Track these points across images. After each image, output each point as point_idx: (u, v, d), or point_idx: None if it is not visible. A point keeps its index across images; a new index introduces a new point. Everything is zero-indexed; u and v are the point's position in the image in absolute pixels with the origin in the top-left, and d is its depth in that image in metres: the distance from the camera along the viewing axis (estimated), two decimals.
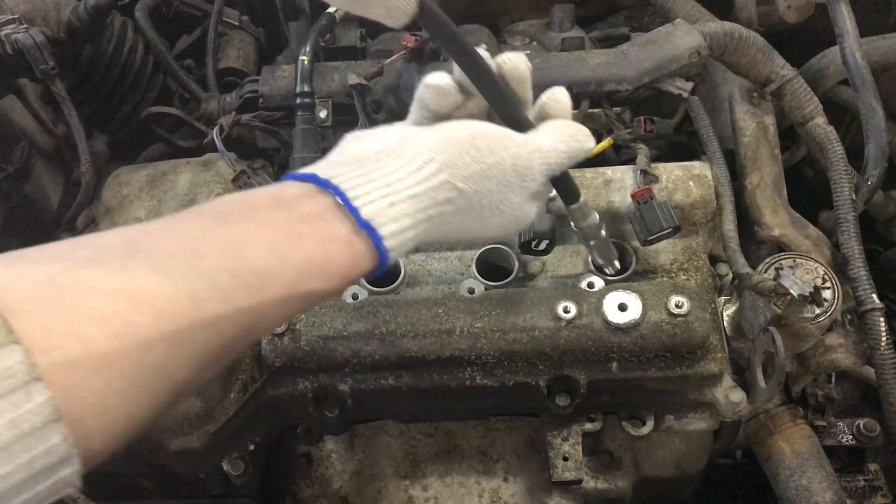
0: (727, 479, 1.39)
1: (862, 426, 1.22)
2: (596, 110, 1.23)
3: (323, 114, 1.22)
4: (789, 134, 1.37)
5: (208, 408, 1.06)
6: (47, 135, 1.42)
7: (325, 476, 1.24)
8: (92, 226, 1.20)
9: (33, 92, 1.38)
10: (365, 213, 0.66)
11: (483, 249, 1.13)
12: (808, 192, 1.44)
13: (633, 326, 1.01)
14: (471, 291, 1.08)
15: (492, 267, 1.13)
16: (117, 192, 1.18)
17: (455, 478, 1.15)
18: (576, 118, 1.21)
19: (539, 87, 0.84)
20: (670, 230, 1.07)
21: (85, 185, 1.19)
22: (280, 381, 1.06)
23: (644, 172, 1.13)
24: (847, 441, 1.24)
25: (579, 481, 1.08)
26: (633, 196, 1.10)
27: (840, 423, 1.24)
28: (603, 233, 0.96)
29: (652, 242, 1.09)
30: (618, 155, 1.33)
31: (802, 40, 1.41)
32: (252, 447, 1.10)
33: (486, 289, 1.09)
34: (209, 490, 1.16)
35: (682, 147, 1.38)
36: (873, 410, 1.27)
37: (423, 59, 1.22)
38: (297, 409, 1.07)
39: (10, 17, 1.14)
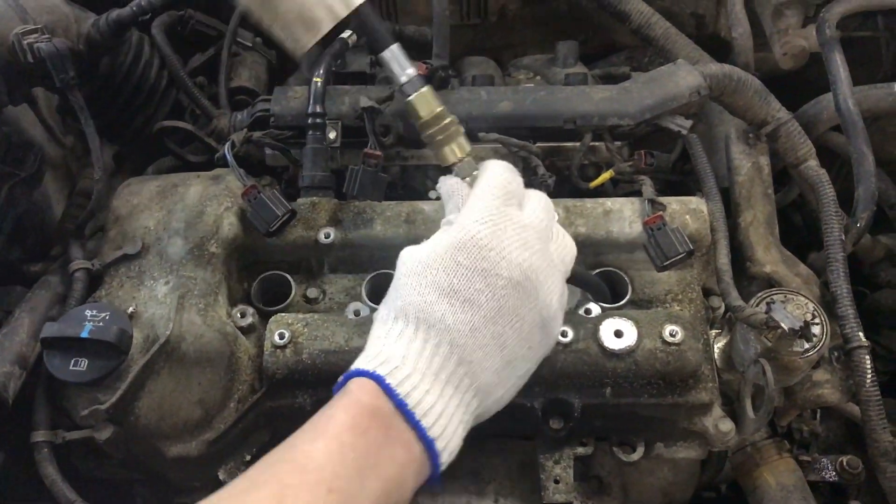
0: None
1: (845, 463, 1.24)
2: (598, 143, 1.27)
3: (332, 135, 1.25)
4: (781, 178, 1.42)
5: (208, 416, 1.06)
6: (56, 145, 1.44)
7: None
8: (100, 234, 1.22)
9: (45, 102, 1.40)
10: (438, 445, 0.79)
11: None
12: (796, 237, 1.48)
13: (628, 353, 1.04)
14: None
15: None
16: (127, 202, 1.20)
17: (447, 497, 1.16)
18: (579, 151, 1.25)
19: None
20: (685, 254, 1.10)
21: (97, 193, 1.20)
22: (280, 393, 1.08)
23: (652, 202, 1.16)
24: (830, 477, 1.25)
25: None
26: (645, 223, 1.13)
27: (824, 459, 1.26)
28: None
29: (668, 268, 1.11)
30: (615, 189, 1.36)
31: (796, 87, 1.45)
32: (248, 458, 1.10)
33: None
34: None
35: (678, 185, 1.41)
36: (856, 449, 1.30)
37: (433, 86, 1.26)
38: (296, 421, 1.08)
39: (34, 26, 1.17)
